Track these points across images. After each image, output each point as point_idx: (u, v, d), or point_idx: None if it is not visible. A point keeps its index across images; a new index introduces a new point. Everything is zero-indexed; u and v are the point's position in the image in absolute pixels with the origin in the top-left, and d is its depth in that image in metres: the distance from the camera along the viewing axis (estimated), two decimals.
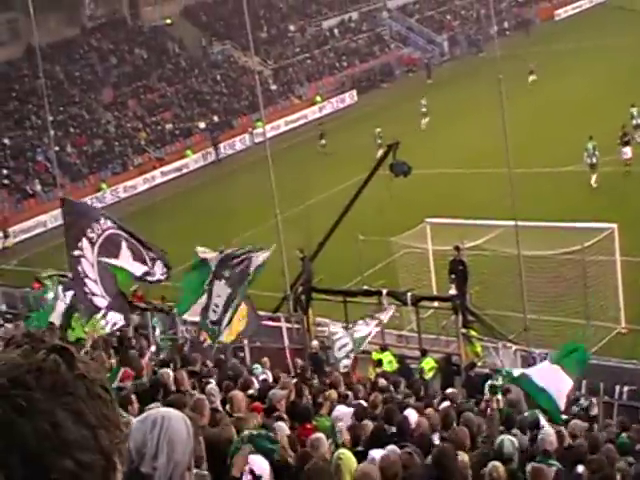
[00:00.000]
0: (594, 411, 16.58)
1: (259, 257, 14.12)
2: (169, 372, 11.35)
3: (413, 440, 9.17)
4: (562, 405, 13.37)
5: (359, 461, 7.01)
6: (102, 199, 46.90)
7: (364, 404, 11.96)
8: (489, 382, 15.48)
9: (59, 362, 1.31)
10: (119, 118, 53.81)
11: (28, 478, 1.24)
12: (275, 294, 23.08)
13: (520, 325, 20.30)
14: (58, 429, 1.26)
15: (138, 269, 10.90)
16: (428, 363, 18.95)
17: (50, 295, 16.83)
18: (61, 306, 14.99)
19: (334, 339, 18.82)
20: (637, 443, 11.32)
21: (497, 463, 8.00)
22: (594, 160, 32.26)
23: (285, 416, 9.61)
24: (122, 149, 51.24)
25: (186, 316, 15.04)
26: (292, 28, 65.69)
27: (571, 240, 21.50)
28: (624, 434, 11.90)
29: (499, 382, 14.68)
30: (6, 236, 42.36)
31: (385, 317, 19.44)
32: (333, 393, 12.21)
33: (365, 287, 22.94)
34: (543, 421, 11.77)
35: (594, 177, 32.12)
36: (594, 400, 16.78)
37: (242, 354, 19.31)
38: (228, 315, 14.04)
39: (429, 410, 11.82)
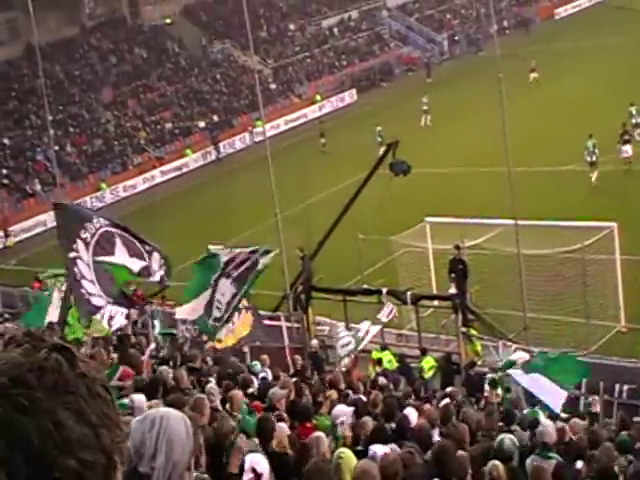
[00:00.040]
0: (595, 408, 16.60)
1: (261, 262, 14.19)
2: (168, 370, 11.37)
3: (413, 436, 9.19)
4: (557, 409, 13.49)
5: (359, 460, 7.01)
6: (102, 199, 46.92)
7: (364, 399, 11.99)
8: (489, 376, 15.54)
9: (60, 361, 1.31)
10: (119, 117, 53.81)
11: (31, 477, 1.24)
12: (275, 293, 23.09)
13: (520, 324, 20.31)
14: (60, 428, 1.26)
15: (135, 264, 10.84)
16: (428, 362, 18.96)
17: (48, 293, 16.87)
18: (56, 302, 15.02)
19: (338, 337, 18.85)
20: (637, 441, 11.32)
21: (497, 462, 8.00)
22: (594, 158, 32.29)
23: (285, 415, 9.61)
24: (122, 148, 51.23)
25: (185, 315, 15.01)
26: (292, 27, 65.70)
27: (571, 239, 21.51)
28: (624, 432, 11.91)
29: (498, 376, 14.75)
30: (7, 235, 42.38)
31: (383, 314, 19.36)
32: (334, 393, 12.23)
33: (365, 286, 22.95)
34: (543, 418, 11.80)
35: (594, 175, 32.14)
36: (597, 397, 16.81)
37: (244, 350, 19.29)
38: (229, 314, 14.08)
39: (427, 406, 11.85)
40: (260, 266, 14.09)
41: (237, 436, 5.73)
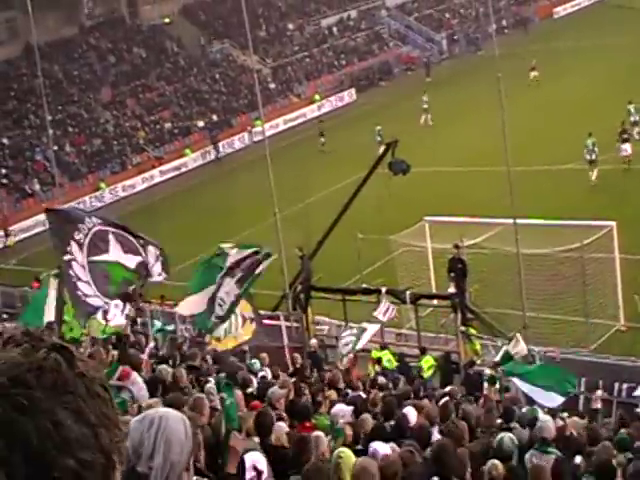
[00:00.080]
0: (595, 405, 16.62)
1: (262, 266, 14.30)
2: (168, 369, 11.38)
3: (412, 435, 9.20)
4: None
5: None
6: (101, 198, 46.91)
7: (363, 395, 12.00)
8: (487, 372, 15.57)
9: (59, 361, 1.31)
10: (118, 117, 53.78)
11: (30, 476, 1.24)
12: (274, 292, 23.09)
13: (519, 323, 20.31)
14: (59, 428, 1.26)
15: (131, 261, 10.79)
16: (427, 361, 18.98)
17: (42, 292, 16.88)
18: (53, 300, 15.02)
19: (342, 336, 18.91)
20: (636, 440, 11.33)
21: (496, 461, 8.02)
22: (593, 157, 32.34)
23: (284, 415, 9.62)
24: (121, 148, 51.21)
25: (186, 310, 15.01)
26: (291, 26, 65.68)
27: (570, 238, 21.52)
28: (623, 430, 11.92)
29: (496, 371, 14.78)
30: (7, 235, 42.40)
31: (379, 311, 19.32)
32: (333, 394, 12.25)
33: (364, 285, 22.96)
34: (542, 415, 11.80)
35: (594, 173, 32.18)
36: (599, 392, 16.83)
37: (244, 350, 19.28)
38: (229, 313, 14.15)
39: (426, 402, 11.86)
40: (259, 270, 14.19)
41: (230, 434, 5.67)
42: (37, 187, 46.20)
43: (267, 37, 63.33)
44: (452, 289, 21.72)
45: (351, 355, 18.24)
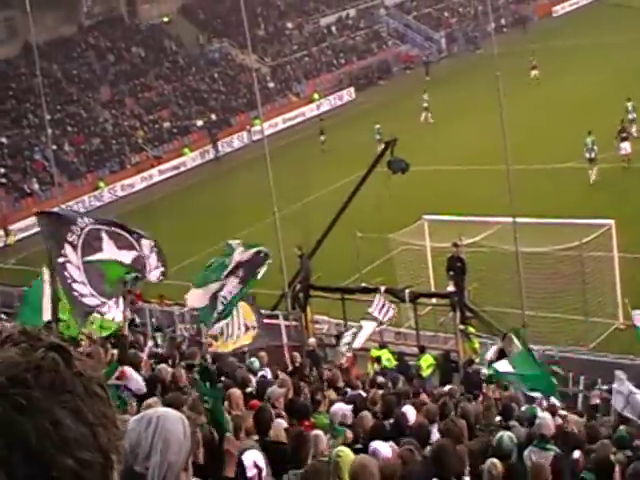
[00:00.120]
0: (594, 401, 16.62)
1: (261, 269, 14.43)
2: (167, 368, 11.38)
3: (411, 433, 9.20)
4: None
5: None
6: (100, 198, 46.89)
7: (363, 394, 12.01)
8: (484, 371, 15.58)
9: (57, 360, 1.31)
10: (116, 116, 53.76)
11: (29, 476, 1.24)
12: (273, 291, 23.09)
13: (518, 321, 20.32)
14: (58, 427, 1.26)
15: (126, 256, 10.73)
16: (426, 360, 18.99)
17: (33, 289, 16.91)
18: (49, 297, 15.03)
19: (344, 335, 18.93)
20: (636, 438, 11.34)
21: (495, 460, 8.02)
22: (593, 155, 32.39)
23: (283, 414, 9.62)
24: (120, 147, 51.19)
25: (192, 301, 15.07)
26: (289, 25, 65.66)
27: (569, 236, 21.54)
28: (622, 427, 11.93)
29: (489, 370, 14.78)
30: (7, 234, 42.40)
31: (374, 308, 19.28)
32: (332, 394, 12.25)
33: (363, 284, 22.97)
34: (540, 412, 11.82)
35: (594, 171, 32.21)
36: (601, 386, 16.83)
37: (243, 350, 19.31)
38: (230, 306, 14.31)
39: (424, 396, 11.87)
40: (259, 273, 14.35)
41: (224, 438, 5.51)
42: (36, 186, 46.19)
43: (266, 36, 63.30)
44: (451, 288, 21.73)
45: (350, 354, 18.25)
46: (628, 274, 22.01)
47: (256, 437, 7.88)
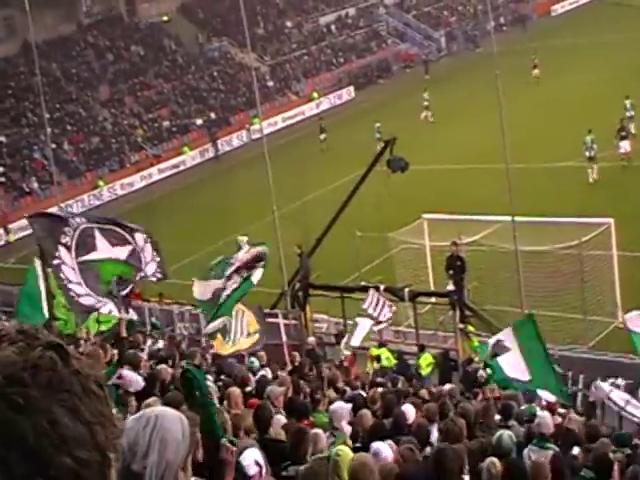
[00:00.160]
0: (593, 398, 16.60)
1: (255, 277, 14.54)
2: (167, 368, 11.37)
3: (410, 432, 9.20)
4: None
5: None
6: (99, 196, 46.90)
7: (363, 394, 12.00)
8: (480, 372, 15.57)
9: (55, 359, 1.31)
10: (116, 115, 53.75)
11: (27, 475, 1.24)
12: (273, 290, 23.07)
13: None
14: (56, 426, 1.26)
15: (121, 252, 10.68)
16: (426, 359, 18.99)
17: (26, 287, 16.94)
18: (44, 293, 15.04)
19: (345, 334, 18.94)
20: (634, 436, 11.35)
21: (494, 459, 8.01)
22: (592, 153, 32.42)
23: (283, 412, 9.62)
24: (119, 146, 51.18)
25: (198, 293, 15.11)
26: (289, 24, 65.64)
27: (568, 235, 21.54)
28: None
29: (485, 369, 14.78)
30: (7, 232, 42.41)
31: (368, 304, 19.20)
32: (332, 393, 12.25)
33: (362, 283, 22.95)
34: (539, 411, 11.83)
35: (594, 169, 32.23)
36: (599, 383, 16.81)
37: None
38: (229, 300, 14.44)
39: (424, 391, 11.86)
40: (255, 278, 14.47)
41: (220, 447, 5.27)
42: (35, 185, 46.17)
43: (265, 35, 63.29)
44: (450, 286, 21.73)
45: (348, 352, 18.24)
46: (627, 273, 22.01)
47: (255, 435, 7.89)
